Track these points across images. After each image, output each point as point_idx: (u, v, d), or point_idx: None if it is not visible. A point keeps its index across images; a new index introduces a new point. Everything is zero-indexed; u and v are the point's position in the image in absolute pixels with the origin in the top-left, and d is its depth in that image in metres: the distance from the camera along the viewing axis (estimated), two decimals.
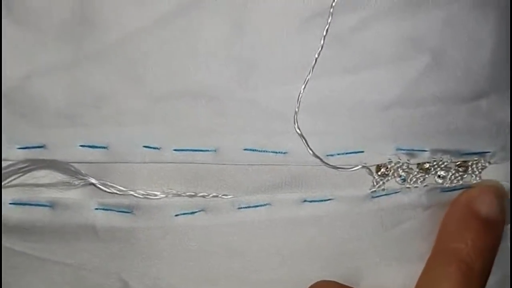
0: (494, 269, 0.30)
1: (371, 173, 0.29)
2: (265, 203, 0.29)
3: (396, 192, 0.29)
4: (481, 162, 0.30)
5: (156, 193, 0.29)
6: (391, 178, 0.29)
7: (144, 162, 0.29)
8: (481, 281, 0.28)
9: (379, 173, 0.29)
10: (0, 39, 0.27)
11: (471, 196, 0.29)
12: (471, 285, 0.28)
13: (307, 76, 0.28)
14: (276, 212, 0.29)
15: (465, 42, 0.28)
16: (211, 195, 0.29)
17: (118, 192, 0.29)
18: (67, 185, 0.29)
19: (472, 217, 0.29)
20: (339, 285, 0.29)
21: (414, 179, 0.29)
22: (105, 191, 0.29)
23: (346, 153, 0.29)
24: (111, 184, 0.29)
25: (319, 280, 0.30)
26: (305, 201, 0.29)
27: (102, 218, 0.29)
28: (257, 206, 0.29)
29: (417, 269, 0.30)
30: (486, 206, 0.29)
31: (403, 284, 0.31)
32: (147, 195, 0.29)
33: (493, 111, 0.29)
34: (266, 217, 0.29)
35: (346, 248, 0.30)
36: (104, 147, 0.29)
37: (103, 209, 0.29)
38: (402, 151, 0.29)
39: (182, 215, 0.29)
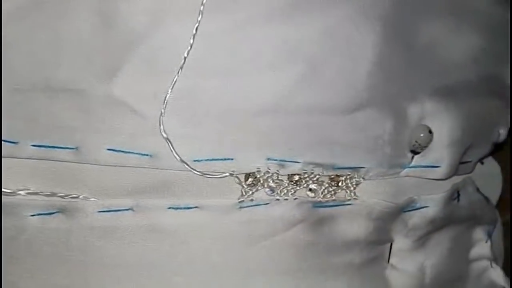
0: None
1: (239, 182, 0.28)
2: (127, 207, 0.28)
3: (265, 204, 0.28)
4: (355, 178, 0.29)
5: (10, 190, 0.27)
6: (261, 189, 0.28)
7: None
8: None
9: (247, 182, 0.28)
10: (0, 40, 0.26)
11: None
12: None
13: (175, 76, 0.26)
14: (139, 218, 0.28)
15: (344, 53, 0.27)
16: (69, 196, 0.28)
17: None
18: None
19: None
20: None
21: (285, 191, 0.28)
22: None
23: (214, 160, 0.27)
24: None
25: None
26: (170, 208, 0.28)
27: None
28: (118, 210, 0.28)
29: (289, 285, 0.29)
30: None
31: None
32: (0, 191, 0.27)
33: (371, 126, 0.28)
34: (128, 223, 0.28)
35: (212, 261, 0.28)
36: None
37: None
38: (273, 161, 0.28)
39: (38, 216, 0.28)
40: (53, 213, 0.28)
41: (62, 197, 0.28)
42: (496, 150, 0.34)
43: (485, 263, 0.34)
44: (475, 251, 0.34)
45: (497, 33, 0.32)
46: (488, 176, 0.35)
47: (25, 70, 0.27)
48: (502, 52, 0.33)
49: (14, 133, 0.27)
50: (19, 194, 0.28)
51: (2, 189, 0.27)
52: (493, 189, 0.36)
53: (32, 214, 0.28)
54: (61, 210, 0.28)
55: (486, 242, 0.34)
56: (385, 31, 0.28)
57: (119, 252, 0.28)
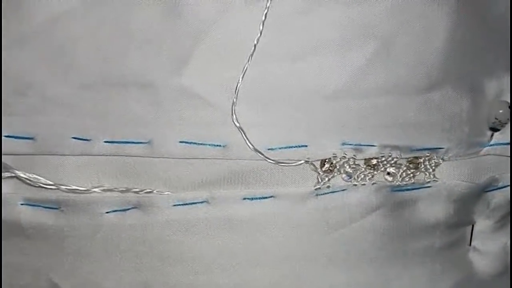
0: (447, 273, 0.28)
1: (315, 169, 0.27)
2: (202, 200, 0.27)
3: (342, 190, 0.27)
4: (434, 159, 0.28)
5: (84, 188, 0.27)
6: (337, 175, 0.27)
7: (73, 155, 0.27)
8: None
9: (324, 169, 0.27)
10: (0, 41, 0.26)
11: None
12: None
13: (246, 63, 0.26)
14: (214, 210, 0.27)
15: (417, 30, 0.26)
16: (144, 191, 0.27)
17: (44, 186, 0.27)
18: None
19: None
20: None
21: (362, 176, 0.27)
22: (30, 184, 0.27)
23: (289, 147, 0.27)
24: (37, 177, 0.27)
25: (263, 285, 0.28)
26: (245, 198, 0.27)
27: (28, 214, 0.28)
28: (193, 203, 0.27)
29: (366, 274, 0.28)
30: None
31: None
32: (75, 189, 0.27)
33: (447, 104, 0.27)
34: (204, 215, 0.27)
35: (289, 250, 0.28)
36: (30, 138, 0.27)
37: (29, 204, 0.28)
38: (349, 146, 0.27)
39: (113, 212, 0.27)
40: (129, 209, 0.27)
41: (136, 192, 0.27)
42: None
43: None
44: None
45: None
46: None
47: (94, 65, 0.26)
48: None
49: (86, 130, 0.27)
50: (94, 192, 0.27)
51: (76, 187, 0.27)
52: None
53: (107, 211, 0.27)
54: (137, 206, 0.27)
55: None
56: (458, 4, 0.27)
57: (196, 245, 0.28)
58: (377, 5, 0.26)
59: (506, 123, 0.28)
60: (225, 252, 0.28)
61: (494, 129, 0.28)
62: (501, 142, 0.28)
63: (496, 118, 0.28)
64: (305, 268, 0.28)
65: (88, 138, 0.27)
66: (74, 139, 0.27)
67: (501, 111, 0.28)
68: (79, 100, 0.27)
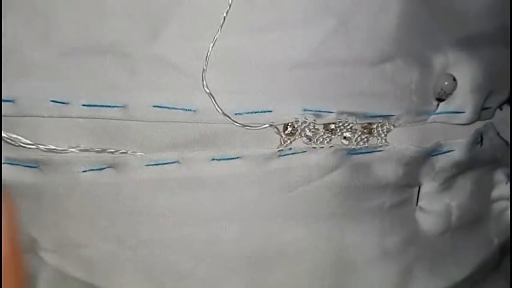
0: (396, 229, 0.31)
1: (278, 132, 0.29)
2: (173, 160, 0.29)
3: (303, 152, 0.30)
4: (386, 125, 0.30)
5: (62, 148, 0.29)
6: (298, 138, 0.30)
7: (51, 116, 0.29)
8: None
9: (286, 132, 0.29)
10: (0, 40, 0.27)
11: None
12: None
13: (216, 34, 0.28)
14: (184, 170, 0.29)
15: (371, 6, 0.29)
16: (119, 152, 0.29)
17: (24, 145, 0.29)
18: None
19: None
20: None
21: (321, 139, 0.30)
22: (11, 144, 0.29)
23: (255, 112, 0.29)
24: (17, 137, 0.29)
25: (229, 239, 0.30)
26: (213, 159, 0.29)
27: (9, 173, 0.29)
28: (165, 163, 0.29)
29: (324, 229, 0.31)
30: None
31: (312, 243, 0.31)
32: (53, 149, 0.29)
33: (398, 75, 0.30)
34: (174, 175, 0.29)
35: (254, 207, 0.30)
36: (10, 101, 0.29)
37: (10, 163, 0.29)
38: (309, 112, 0.29)
39: (90, 171, 0.29)
40: (104, 168, 0.29)
41: (112, 152, 0.29)
42: None
43: (505, 203, 0.36)
44: (496, 192, 0.36)
45: None
46: (507, 121, 0.36)
47: (73, 33, 0.28)
48: None
49: (65, 94, 0.29)
50: (72, 152, 0.29)
51: (54, 147, 0.29)
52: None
53: (84, 170, 0.29)
54: (111, 165, 0.29)
55: (506, 183, 0.36)
56: None
57: (167, 202, 0.30)
58: None
59: (450, 94, 0.31)
60: (194, 208, 0.30)
61: (440, 99, 0.31)
62: (445, 111, 0.31)
63: (441, 89, 0.31)
64: (268, 223, 0.30)
65: (66, 101, 0.29)
66: (52, 102, 0.29)
67: (446, 83, 0.31)
68: (58, 66, 0.28)
